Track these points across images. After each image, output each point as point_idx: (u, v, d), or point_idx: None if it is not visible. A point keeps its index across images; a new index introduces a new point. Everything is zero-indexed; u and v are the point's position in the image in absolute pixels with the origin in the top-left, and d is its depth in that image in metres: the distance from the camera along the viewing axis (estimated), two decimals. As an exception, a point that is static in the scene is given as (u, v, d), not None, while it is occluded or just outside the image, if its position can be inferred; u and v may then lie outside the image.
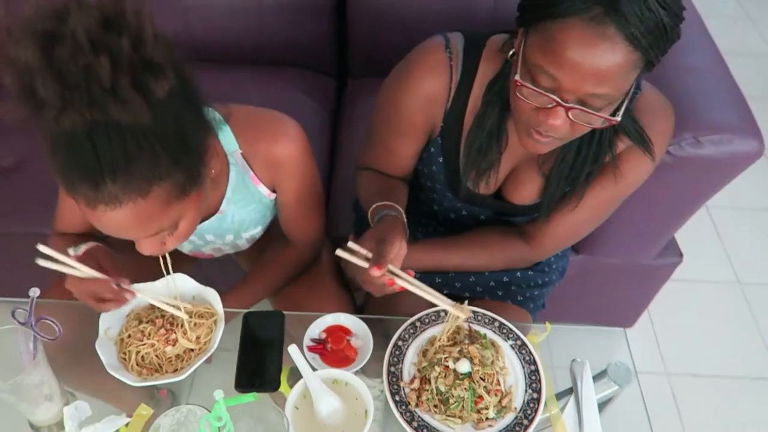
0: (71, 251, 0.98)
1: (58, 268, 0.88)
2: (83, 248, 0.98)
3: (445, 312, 1.02)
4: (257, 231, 1.16)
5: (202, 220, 1.08)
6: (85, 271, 0.90)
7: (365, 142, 1.18)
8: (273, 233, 1.20)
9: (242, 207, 1.08)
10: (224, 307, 0.99)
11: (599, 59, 0.75)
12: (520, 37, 0.86)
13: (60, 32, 0.67)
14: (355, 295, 1.29)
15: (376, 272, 0.87)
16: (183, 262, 1.28)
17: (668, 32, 0.76)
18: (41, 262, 0.86)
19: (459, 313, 0.95)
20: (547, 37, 0.78)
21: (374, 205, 1.05)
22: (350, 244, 0.91)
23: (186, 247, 1.19)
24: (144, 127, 0.71)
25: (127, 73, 0.68)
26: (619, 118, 0.84)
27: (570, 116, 0.82)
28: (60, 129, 0.69)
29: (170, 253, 0.93)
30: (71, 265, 0.89)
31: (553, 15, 0.76)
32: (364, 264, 0.89)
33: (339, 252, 0.91)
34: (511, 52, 0.91)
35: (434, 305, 0.95)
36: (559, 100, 0.80)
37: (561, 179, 1.03)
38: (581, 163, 1.00)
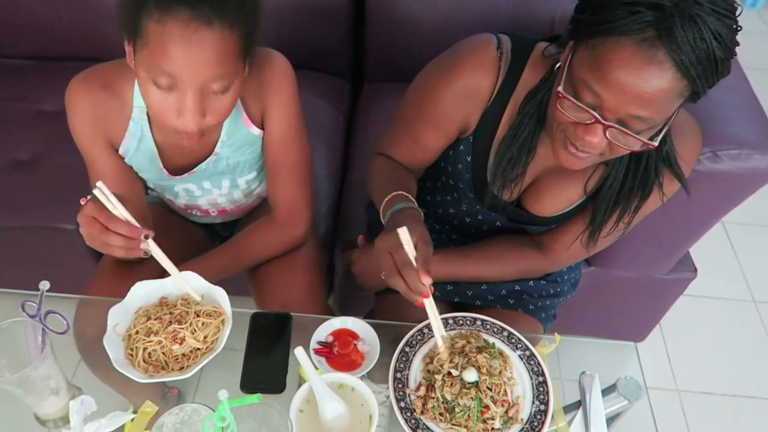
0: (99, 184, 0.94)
1: (105, 202, 0.89)
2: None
3: (454, 319, 1.02)
4: (252, 176, 1.18)
5: (198, 163, 1.10)
6: (120, 211, 0.90)
7: (387, 130, 1.16)
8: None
9: (236, 149, 1.09)
10: (187, 270, 0.99)
11: (645, 82, 0.74)
12: (568, 50, 0.85)
13: None
14: (363, 299, 1.28)
15: (428, 280, 0.86)
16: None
17: (718, 65, 0.76)
18: (97, 190, 0.89)
19: (443, 350, 0.95)
20: (597, 54, 0.77)
21: (391, 194, 1.03)
22: (402, 236, 0.86)
23: (182, 199, 1.20)
24: None
25: None
26: (656, 143, 0.83)
27: (607, 135, 0.81)
28: None
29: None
30: (113, 204, 0.89)
31: (606, 32, 0.76)
32: (412, 257, 0.87)
33: (400, 231, 0.86)
34: (557, 65, 0.89)
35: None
36: (599, 117, 0.80)
37: (609, 205, 1.01)
38: (628, 190, 0.99)
